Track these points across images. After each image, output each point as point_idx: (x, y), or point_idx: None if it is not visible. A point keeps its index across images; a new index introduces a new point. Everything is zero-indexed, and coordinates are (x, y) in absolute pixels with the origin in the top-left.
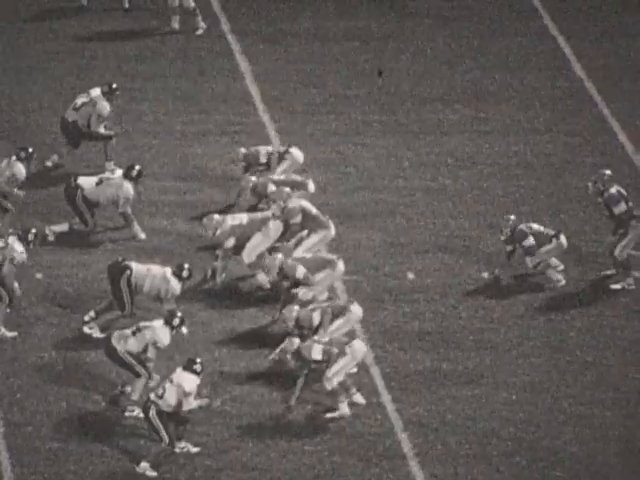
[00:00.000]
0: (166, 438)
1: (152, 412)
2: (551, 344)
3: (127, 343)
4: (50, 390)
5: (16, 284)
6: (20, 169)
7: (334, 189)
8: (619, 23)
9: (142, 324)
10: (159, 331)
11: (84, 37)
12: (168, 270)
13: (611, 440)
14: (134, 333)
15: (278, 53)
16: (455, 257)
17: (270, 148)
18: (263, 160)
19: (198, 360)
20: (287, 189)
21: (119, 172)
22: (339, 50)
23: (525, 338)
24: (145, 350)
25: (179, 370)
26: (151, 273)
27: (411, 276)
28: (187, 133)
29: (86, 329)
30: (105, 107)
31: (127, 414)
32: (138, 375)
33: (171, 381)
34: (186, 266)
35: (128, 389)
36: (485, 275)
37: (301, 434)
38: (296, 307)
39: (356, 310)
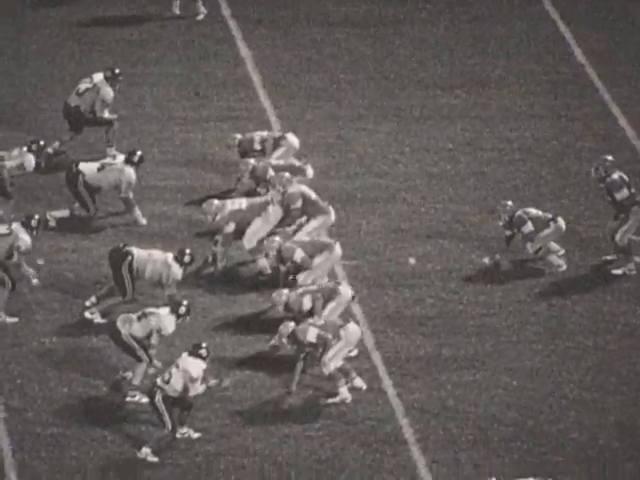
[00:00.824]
0: (169, 424)
1: (158, 397)
2: (552, 329)
3: (132, 327)
4: (51, 376)
5: (31, 270)
6: (30, 160)
7: (335, 174)
8: (620, 8)
9: (148, 310)
10: (164, 319)
11: (85, 22)
12: (170, 255)
13: (612, 425)
14: (139, 318)
15: (279, 39)
16: (456, 242)
17: (265, 134)
18: (258, 147)
19: (204, 345)
20: (287, 174)
21: (121, 157)
22: (340, 36)
23: (526, 323)
24: (149, 336)
25: (185, 355)
26: (152, 258)
27: (412, 261)
28: (188, 119)
29: (87, 314)
30: (109, 92)
31: (128, 399)
32: (140, 360)
33: (177, 366)
34: (187, 251)
35: (129, 375)
36: (486, 260)
37: (302, 419)
38: (285, 291)
39: (345, 291)
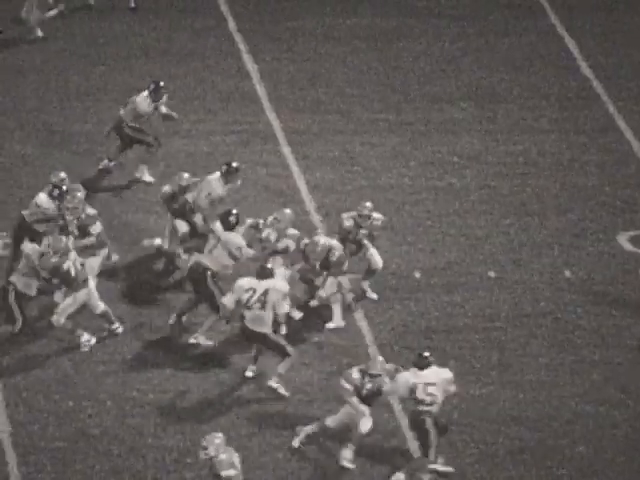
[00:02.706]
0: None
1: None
2: (558, 343)
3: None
4: (56, 389)
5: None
6: (44, 201)
7: (341, 188)
8: (626, 22)
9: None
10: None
11: (90, 36)
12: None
13: (618, 439)
14: None
15: (284, 52)
16: (462, 256)
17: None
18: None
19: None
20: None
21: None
22: (345, 49)
23: (532, 337)
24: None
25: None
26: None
27: (418, 275)
28: (193, 132)
29: (192, 340)
30: (142, 103)
31: (192, 340)
32: (216, 309)
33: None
34: (234, 212)
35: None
36: (492, 274)
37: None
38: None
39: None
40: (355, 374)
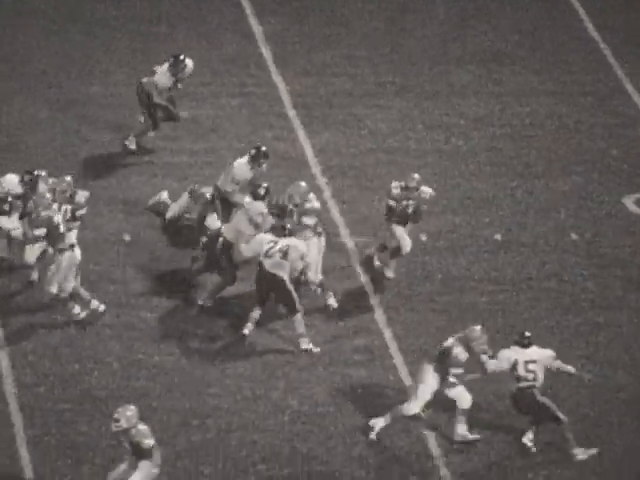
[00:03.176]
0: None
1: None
2: (563, 305)
3: (285, 270)
4: (62, 351)
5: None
6: (10, 183)
7: (347, 150)
8: None
9: (281, 245)
10: (299, 244)
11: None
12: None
13: (623, 401)
14: (282, 257)
15: (290, 14)
16: (467, 219)
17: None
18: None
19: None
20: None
21: None
22: (352, 12)
23: (537, 300)
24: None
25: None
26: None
27: (423, 238)
28: (199, 95)
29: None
30: (160, 78)
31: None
32: (295, 311)
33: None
34: (264, 184)
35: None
36: (498, 237)
37: (312, 396)
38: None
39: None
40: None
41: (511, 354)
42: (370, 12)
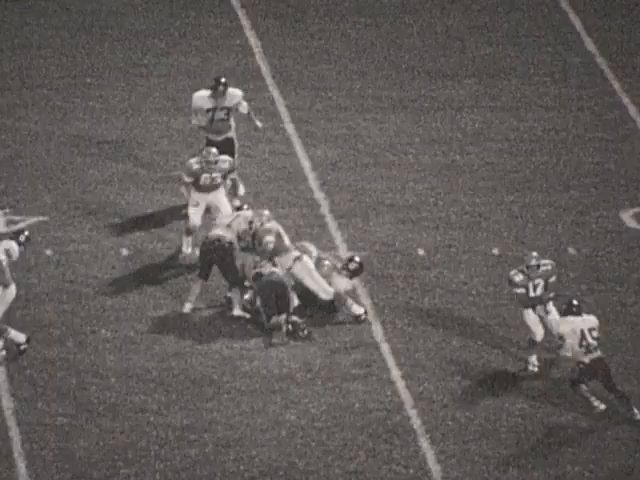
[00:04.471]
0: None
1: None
2: None
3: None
4: (60, 366)
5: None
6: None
7: (344, 165)
8: None
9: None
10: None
11: (93, 13)
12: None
13: (621, 415)
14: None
15: (288, 28)
16: (465, 233)
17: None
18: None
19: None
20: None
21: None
22: (349, 25)
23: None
24: None
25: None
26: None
27: (421, 252)
28: None
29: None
30: (196, 99)
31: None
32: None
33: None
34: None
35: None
36: (495, 251)
37: (310, 410)
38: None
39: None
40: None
41: (574, 326)
42: (367, 26)
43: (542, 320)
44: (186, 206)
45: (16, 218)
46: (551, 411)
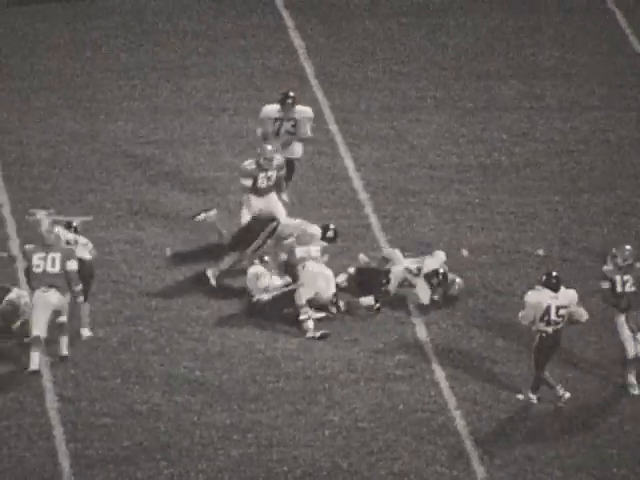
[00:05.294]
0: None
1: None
2: (604, 321)
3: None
4: (104, 366)
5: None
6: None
7: (388, 165)
8: None
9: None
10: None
11: (138, 13)
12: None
13: None
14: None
15: (332, 29)
16: (510, 234)
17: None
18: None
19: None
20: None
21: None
22: (393, 26)
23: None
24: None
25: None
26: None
27: (465, 253)
28: (240, 109)
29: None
30: (265, 109)
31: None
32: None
33: None
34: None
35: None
36: (540, 252)
37: (354, 411)
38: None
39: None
40: None
41: (542, 299)
42: (411, 26)
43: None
44: (194, 216)
45: (60, 218)
46: (596, 413)
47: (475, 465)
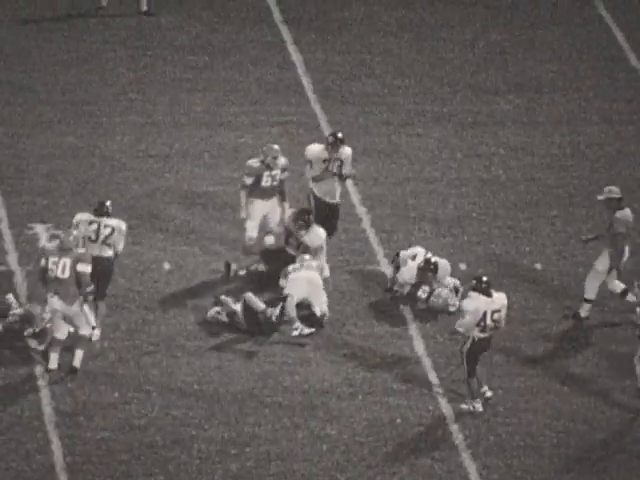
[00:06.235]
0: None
1: None
2: (604, 336)
3: None
4: (102, 380)
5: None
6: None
7: (385, 180)
8: None
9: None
10: None
11: (136, 28)
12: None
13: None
14: None
15: (330, 43)
16: (507, 248)
17: None
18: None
19: None
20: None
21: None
22: (391, 40)
23: (577, 329)
24: None
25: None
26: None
27: (463, 267)
28: (238, 124)
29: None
30: (311, 150)
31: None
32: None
33: None
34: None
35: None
36: (538, 266)
37: (352, 425)
38: None
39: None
40: None
41: (478, 305)
42: (409, 41)
43: None
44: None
45: (59, 232)
46: (593, 427)
47: (473, 479)
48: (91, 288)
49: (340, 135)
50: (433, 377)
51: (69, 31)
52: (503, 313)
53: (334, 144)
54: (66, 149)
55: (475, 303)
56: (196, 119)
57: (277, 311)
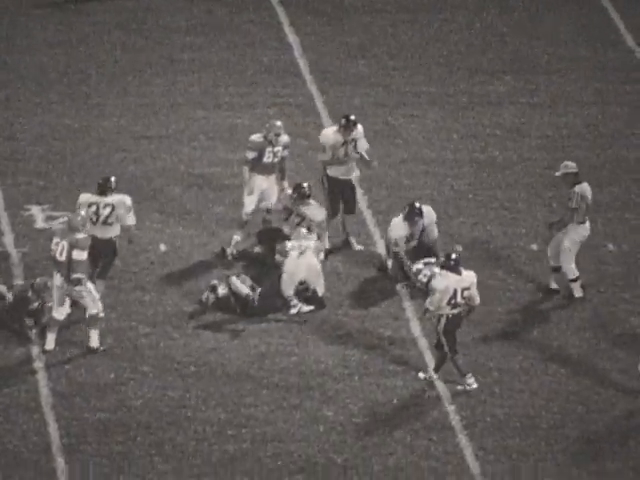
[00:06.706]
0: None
1: None
2: (601, 316)
3: None
4: (98, 362)
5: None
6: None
7: (382, 161)
8: None
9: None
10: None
11: (132, 9)
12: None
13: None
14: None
15: (326, 24)
16: (504, 229)
17: None
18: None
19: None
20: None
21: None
22: (387, 22)
23: (575, 310)
24: None
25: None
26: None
27: (459, 248)
28: (235, 105)
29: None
30: (325, 135)
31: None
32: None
33: None
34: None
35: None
36: (534, 247)
37: (348, 406)
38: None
39: None
40: None
41: (448, 284)
42: (405, 22)
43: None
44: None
45: (55, 214)
46: (590, 408)
47: (469, 460)
48: (78, 276)
49: (353, 117)
50: (429, 358)
51: (65, 13)
52: (473, 290)
53: (347, 126)
54: (62, 130)
55: (445, 281)
56: (192, 100)
57: (257, 294)
